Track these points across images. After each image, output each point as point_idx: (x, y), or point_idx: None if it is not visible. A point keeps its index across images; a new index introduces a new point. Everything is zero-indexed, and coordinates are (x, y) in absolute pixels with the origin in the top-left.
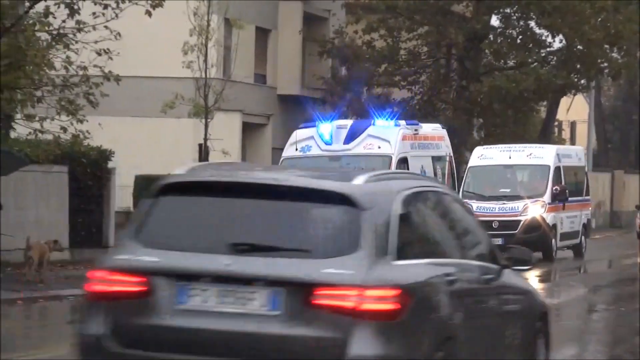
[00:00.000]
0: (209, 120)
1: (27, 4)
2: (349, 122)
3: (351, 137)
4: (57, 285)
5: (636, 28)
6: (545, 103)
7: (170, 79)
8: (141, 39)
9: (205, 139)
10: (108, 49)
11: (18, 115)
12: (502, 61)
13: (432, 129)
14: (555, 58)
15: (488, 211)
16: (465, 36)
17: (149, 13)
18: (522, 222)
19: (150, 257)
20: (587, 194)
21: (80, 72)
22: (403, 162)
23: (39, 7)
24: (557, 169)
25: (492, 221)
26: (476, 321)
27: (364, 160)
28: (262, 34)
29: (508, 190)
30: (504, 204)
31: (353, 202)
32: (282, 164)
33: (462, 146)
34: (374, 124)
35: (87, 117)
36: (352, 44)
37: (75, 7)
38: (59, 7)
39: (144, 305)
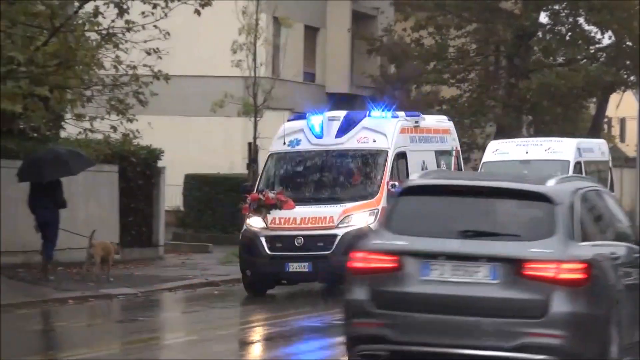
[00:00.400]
0: (258, 119)
1: (76, 4)
2: (342, 114)
3: (344, 129)
4: (107, 284)
5: None
6: (594, 100)
7: (219, 77)
8: (190, 38)
9: (255, 138)
10: (157, 49)
11: (68, 115)
12: (551, 58)
13: (436, 121)
14: (604, 54)
15: None
16: (514, 33)
17: (198, 12)
18: None
19: (400, 242)
20: (612, 190)
21: (130, 72)
22: (401, 157)
23: (89, 7)
24: (578, 164)
25: None
26: (630, 289)
27: (357, 156)
28: (311, 33)
29: None
30: None
31: (549, 199)
32: (271, 159)
33: None
34: (369, 116)
35: (136, 116)
36: (400, 42)
37: (125, 6)
38: (108, 7)
39: (395, 278)
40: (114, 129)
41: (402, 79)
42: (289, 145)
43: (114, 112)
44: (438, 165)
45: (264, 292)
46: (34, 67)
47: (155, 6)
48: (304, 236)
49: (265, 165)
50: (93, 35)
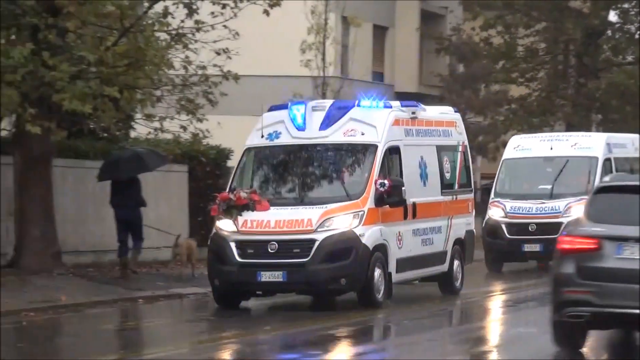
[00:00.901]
0: None
1: (146, 4)
2: (327, 103)
3: (329, 121)
4: (177, 284)
5: None
6: None
7: (288, 77)
8: (259, 38)
9: None
10: (227, 49)
11: (138, 115)
12: (621, 57)
13: (439, 113)
14: None
15: (524, 212)
16: (583, 32)
17: (266, 12)
18: (564, 225)
19: (599, 229)
20: None
21: (200, 72)
22: (393, 152)
23: (158, 7)
24: (607, 160)
25: (528, 224)
26: None
27: (343, 151)
28: (380, 32)
29: (548, 187)
30: (542, 203)
31: None
32: (247, 153)
33: None
34: (358, 105)
35: (206, 116)
36: (469, 41)
37: (194, 7)
38: (177, 7)
39: (595, 256)
40: (184, 128)
41: (471, 78)
42: (267, 139)
43: (184, 112)
44: (440, 161)
45: (236, 304)
46: (104, 68)
47: (224, 6)
48: (278, 241)
49: (240, 161)
50: (162, 36)
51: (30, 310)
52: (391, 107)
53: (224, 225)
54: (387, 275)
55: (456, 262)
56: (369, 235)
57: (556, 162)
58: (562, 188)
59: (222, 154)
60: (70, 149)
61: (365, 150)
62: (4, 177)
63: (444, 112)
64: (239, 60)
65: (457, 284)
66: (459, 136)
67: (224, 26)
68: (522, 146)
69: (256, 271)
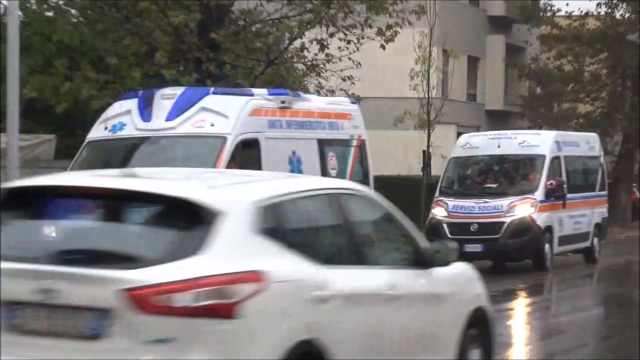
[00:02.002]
0: (430, 131)
1: (287, 41)
2: (178, 91)
3: (178, 110)
4: None
5: None
6: None
7: (399, 98)
8: (376, 67)
9: (428, 147)
10: (351, 76)
11: None
12: None
13: (327, 103)
14: None
15: (466, 211)
16: (638, 60)
17: (383, 47)
18: (506, 224)
19: None
20: (603, 188)
21: (329, 95)
22: (250, 145)
23: (297, 43)
24: (556, 159)
25: (470, 224)
26: None
27: (188, 144)
28: (473, 62)
29: (493, 185)
30: (485, 202)
31: None
32: (88, 147)
33: (635, 149)
34: (213, 93)
35: None
36: (545, 68)
37: (325, 43)
38: (312, 43)
39: None
40: None
41: (546, 98)
42: (110, 131)
43: None
44: (323, 157)
45: None
46: None
47: (349, 42)
48: None
49: (78, 156)
50: (300, 66)
51: None
52: (252, 94)
53: None
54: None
55: None
56: None
57: (503, 160)
58: (507, 187)
59: None
60: None
61: (212, 143)
62: None
63: (334, 103)
64: (360, 85)
65: None
66: (353, 129)
67: (349, 58)
68: (470, 144)
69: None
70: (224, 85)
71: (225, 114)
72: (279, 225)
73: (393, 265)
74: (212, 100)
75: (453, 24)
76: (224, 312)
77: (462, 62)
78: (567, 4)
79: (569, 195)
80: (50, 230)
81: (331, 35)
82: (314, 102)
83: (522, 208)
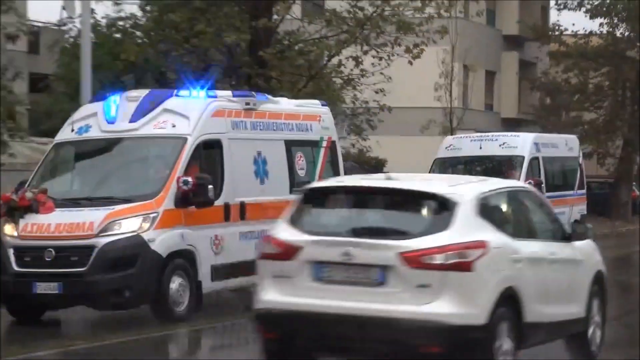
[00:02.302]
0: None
1: (325, 59)
2: (143, 92)
3: (142, 112)
4: None
5: None
6: None
7: (425, 108)
8: (405, 80)
9: None
10: (382, 89)
11: None
12: None
13: (295, 105)
14: None
15: None
16: (636, 73)
17: (410, 62)
18: None
19: None
20: (582, 187)
21: (363, 105)
22: (212, 146)
23: (334, 60)
24: (535, 159)
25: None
26: None
27: (149, 145)
28: (490, 75)
29: None
30: None
31: None
32: (54, 150)
33: (634, 152)
34: (176, 95)
35: (368, 136)
36: (553, 81)
37: (360, 60)
38: (348, 60)
39: None
40: (353, 145)
41: (555, 107)
42: (76, 133)
43: (353, 134)
44: (290, 158)
45: (36, 317)
46: None
47: (381, 59)
48: (55, 247)
49: (44, 158)
50: (337, 80)
51: None
52: (215, 96)
53: (7, 230)
54: (194, 285)
55: None
56: (162, 240)
57: (484, 160)
58: None
59: (380, 163)
60: None
61: (173, 144)
62: None
63: (303, 105)
64: (390, 96)
65: None
66: (323, 131)
67: (381, 73)
68: (454, 146)
69: (32, 281)
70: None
71: (187, 115)
72: (489, 211)
73: (550, 239)
74: (175, 102)
75: (472, 42)
76: (464, 267)
77: (480, 75)
78: (573, 24)
79: (547, 194)
80: (348, 214)
81: (365, 52)
82: (281, 105)
83: None
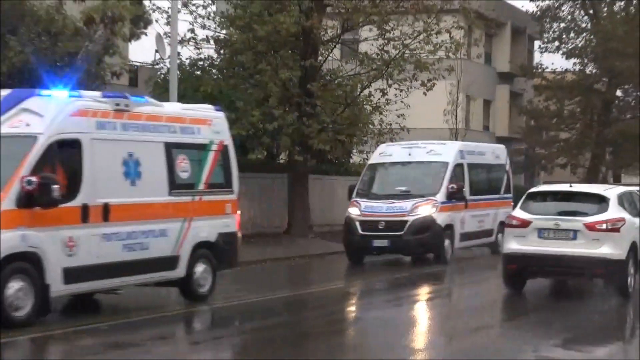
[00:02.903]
0: None
1: (359, 90)
2: (5, 92)
3: (1, 112)
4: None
5: None
6: None
7: (436, 129)
8: (421, 106)
9: None
10: (403, 114)
11: (354, 150)
12: (623, 115)
13: (182, 109)
14: None
15: (375, 211)
16: (602, 101)
17: (425, 93)
18: (409, 223)
19: None
20: (508, 191)
21: (388, 127)
22: (70, 145)
23: (365, 91)
24: (459, 166)
25: (378, 221)
26: None
27: (4, 145)
28: (487, 103)
29: (403, 188)
30: (392, 203)
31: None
32: None
33: (599, 164)
34: (38, 95)
35: None
36: (536, 108)
37: (385, 91)
38: (376, 91)
39: None
40: None
41: (537, 128)
42: None
43: None
44: (170, 160)
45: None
46: (336, 125)
47: (401, 90)
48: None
49: None
50: (368, 107)
51: (296, 257)
52: (80, 96)
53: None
54: (39, 288)
55: (201, 267)
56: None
57: (412, 167)
58: (413, 190)
59: None
60: (319, 170)
61: (22, 143)
62: (282, 185)
63: (191, 109)
64: (409, 119)
65: (203, 289)
66: (213, 135)
67: (402, 101)
68: (386, 152)
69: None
70: (316, 121)
71: (42, 113)
72: (622, 202)
73: None
74: (34, 101)
75: (473, 78)
76: (615, 230)
77: (479, 103)
78: (552, 63)
79: (473, 197)
80: (554, 204)
81: (389, 86)
82: (165, 108)
83: (424, 208)
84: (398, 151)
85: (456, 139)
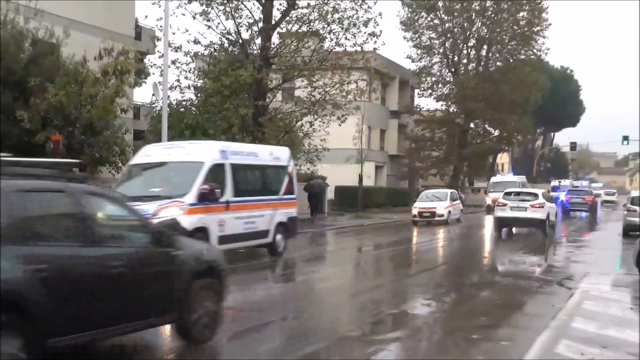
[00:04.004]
0: (362, 165)
1: (294, 122)
2: (190, 143)
3: None
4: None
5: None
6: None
7: (347, 149)
8: (337, 133)
9: (361, 174)
10: (324, 139)
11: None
12: (476, 141)
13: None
14: (494, 138)
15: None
16: (460, 130)
17: (339, 124)
18: None
19: None
20: (289, 192)
21: (314, 148)
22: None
23: (299, 124)
24: (219, 166)
25: None
26: None
27: None
28: (382, 132)
29: (155, 190)
30: (137, 205)
31: None
32: None
33: (460, 174)
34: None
35: (317, 165)
36: (416, 135)
37: (312, 123)
38: (306, 123)
39: None
40: (308, 168)
41: (417, 149)
42: None
43: (308, 163)
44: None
45: None
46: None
47: (324, 122)
48: None
49: None
50: (300, 134)
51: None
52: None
53: None
54: None
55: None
56: None
57: (168, 167)
58: (164, 191)
59: (323, 179)
60: None
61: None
62: None
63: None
64: (329, 142)
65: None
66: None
67: (324, 130)
68: (146, 153)
69: None
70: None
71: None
72: (545, 196)
73: None
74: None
75: (373, 114)
76: (541, 207)
77: (377, 131)
78: (427, 105)
79: (237, 199)
80: (520, 197)
81: (315, 119)
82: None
83: (168, 211)
84: (158, 152)
85: (361, 156)
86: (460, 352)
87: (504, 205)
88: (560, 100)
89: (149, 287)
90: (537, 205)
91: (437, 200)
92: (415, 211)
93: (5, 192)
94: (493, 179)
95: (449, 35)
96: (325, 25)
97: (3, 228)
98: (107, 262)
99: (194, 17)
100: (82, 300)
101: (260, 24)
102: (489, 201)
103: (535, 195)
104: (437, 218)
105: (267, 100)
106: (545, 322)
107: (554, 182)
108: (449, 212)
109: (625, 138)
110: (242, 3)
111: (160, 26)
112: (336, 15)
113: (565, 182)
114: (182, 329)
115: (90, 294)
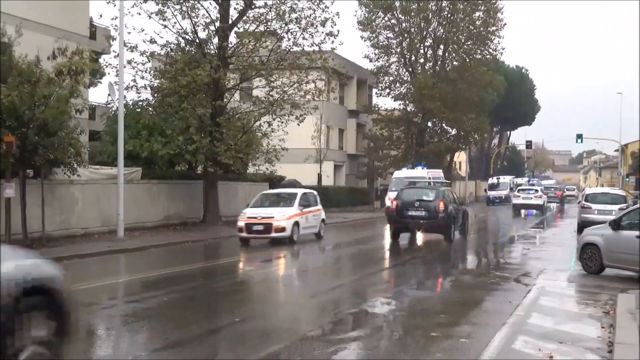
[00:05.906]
0: (321, 164)
1: (252, 122)
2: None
3: None
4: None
5: None
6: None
7: (306, 149)
8: (296, 133)
9: (320, 173)
10: (283, 139)
11: (250, 164)
12: (432, 139)
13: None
14: (452, 137)
15: None
16: (419, 129)
17: (298, 124)
18: None
19: None
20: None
21: (273, 148)
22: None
23: (257, 123)
24: None
25: None
26: None
27: None
28: (341, 131)
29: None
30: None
31: None
32: None
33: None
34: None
35: (275, 165)
36: (374, 134)
37: (271, 123)
38: (265, 123)
39: None
40: (267, 168)
41: (375, 148)
42: None
43: (267, 163)
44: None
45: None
46: (237, 146)
47: (282, 122)
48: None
49: None
50: (259, 134)
51: (210, 239)
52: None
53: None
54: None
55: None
56: None
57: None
58: None
59: (281, 179)
60: (225, 177)
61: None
62: (199, 189)
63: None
64: (287, 142)
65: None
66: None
67: (283, 130)
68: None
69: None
70: (223, 144)
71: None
72: (542, 191)
73: None
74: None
75: (332, 113)
76: (541, 197)
77: (336, 131)
78: (385, 104)
79: None
80: (528, 190)
81: (273, 119)
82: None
83: None
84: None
85: (320, 155)
86: (420, 349)
87: (516, 196)
88: (516, 99)
89: None
90: (539, 195)
91: (279, 206)
92: (241, 222)
93: None
94: (396, 174)
95: (405, 35)
96: (283, 25)
97: None
98: None
99: (150, 17)
100: None
101: (217, 24)
102: (388, 202)
103: (536, 190)
104: (274, 234)
105: (225, 100)
106: (503, 318)
107: (492, 180)
108: (295, 224)
109: (579, 136)
110: (199, 2)
111: (116, 25)
112: (293, 15)
113: (505, 179)
114: None
115: None
